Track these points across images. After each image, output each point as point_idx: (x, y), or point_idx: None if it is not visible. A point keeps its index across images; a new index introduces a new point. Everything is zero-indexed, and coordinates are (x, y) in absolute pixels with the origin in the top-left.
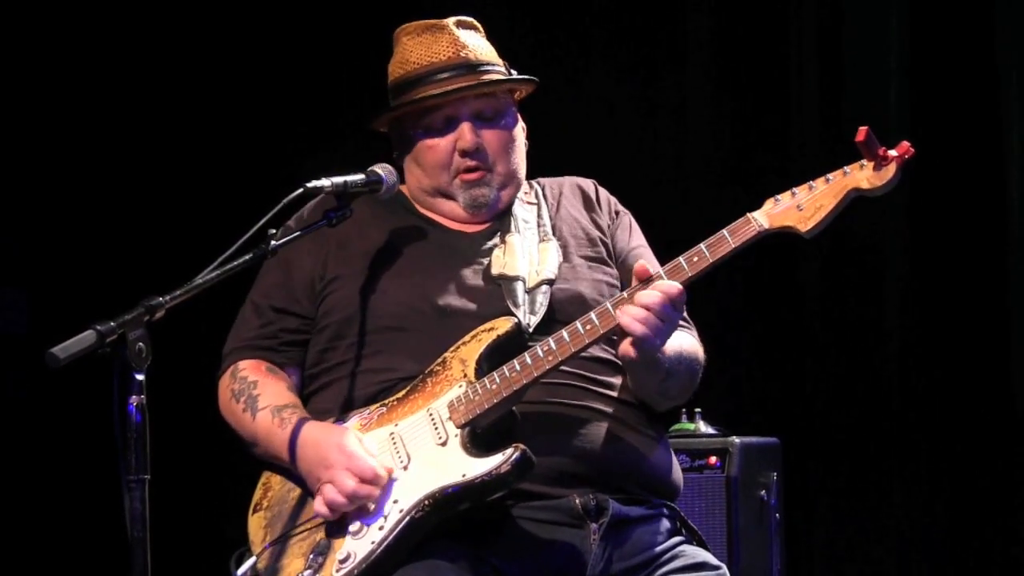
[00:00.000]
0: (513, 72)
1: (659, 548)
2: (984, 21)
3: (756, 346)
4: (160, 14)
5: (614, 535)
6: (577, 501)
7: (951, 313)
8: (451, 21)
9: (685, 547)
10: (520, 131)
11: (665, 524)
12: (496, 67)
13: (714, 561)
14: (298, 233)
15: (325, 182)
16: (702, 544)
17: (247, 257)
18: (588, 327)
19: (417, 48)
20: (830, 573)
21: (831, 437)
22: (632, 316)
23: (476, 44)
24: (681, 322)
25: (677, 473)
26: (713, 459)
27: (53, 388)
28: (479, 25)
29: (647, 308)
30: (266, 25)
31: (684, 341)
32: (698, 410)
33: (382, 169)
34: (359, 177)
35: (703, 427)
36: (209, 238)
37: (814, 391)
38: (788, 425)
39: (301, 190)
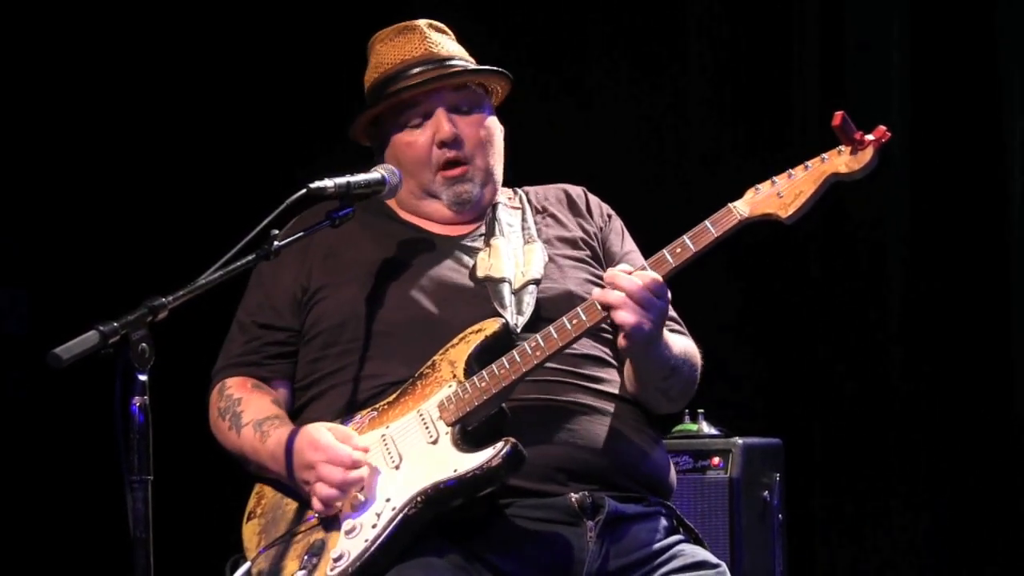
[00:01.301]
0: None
1: (657, 546)
2: (986, 15)
3: (758, 347)
4: (161, 14)
5: (610, 532)
6: (573, 499)
7: (953, 315)
8: (422, 23)
9: (684, 546)
10: (499, 131)
11: (662, 522)
12: (468, 63)
13: (713, 559)
14: (301, 233)
15: (328, 182)
16: (699, 542)
17: (250, 258)
18: (575, 322)
19: (390, 51)
20: (832, 574)
21: (833, 438)
22: (606, 290)
23: (446, 43)
24: (675, 325)
25: (671, 472)
26: (716, 460)
27: (54, 388)
28: (449, 30)
29: (623, 288)
30: (268, 26)
31: (687, 344)
32: (701, 411)
33: (385, 170)
34: (363, 177)
35: (706, 428)
36: (212, 239)
37: (816, 392)
38: (790, 426)
39: (304, 191)
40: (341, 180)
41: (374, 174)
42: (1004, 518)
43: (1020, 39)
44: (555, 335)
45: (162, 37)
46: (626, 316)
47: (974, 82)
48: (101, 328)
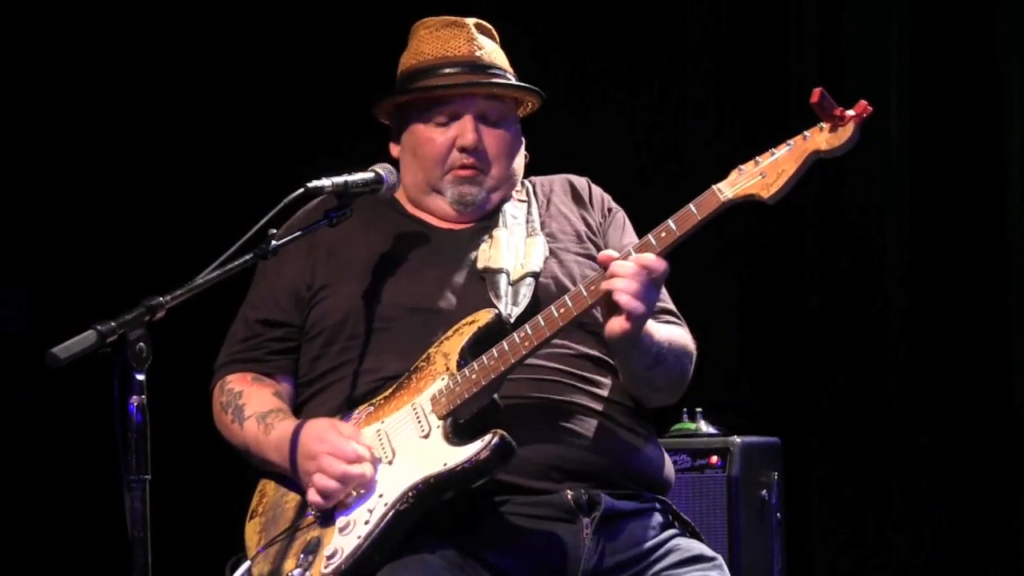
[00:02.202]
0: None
1: (653, 542)
2: (985, 15)
3: (757, 345)
4: (160, 14)
5: (606, 529)
6: (569, 496)
7: (953, 314)
8: (471, 21)
9: (679, 540)
10: (520, 144)
11: (657, 518)
12: (508, 74)
13: (710, 552)
14: (299, 232)
15: (326, 182)
16: (696, 535)
17: (247, 257)
18: (562, 311)
19: (434, 42)
20: (831, 573)
21: (832, 437)
22: (613, 275)
23: (492, 49)
24: (671, 317)
25: (668, 468)
26: (714, 459)
27: (53, 388)
28: (495, 34)
29: (625, 275)
30: (267, 24)
31: (674, 332)
32: (699, 410)
33: (383, 169)
34: (360, 176)
35: (704, 427)
36: (210, 238)
37: (815, 391)
38: (789, 425)
39: (302, 190)
40: (339, 179)
41: (371, 173)
42: (1004, 517)
43: (1020, 39)
44: (543, 324)
45: (161, 37)
46: (627, 299)
47: (974, 82)
48: (99, 327)
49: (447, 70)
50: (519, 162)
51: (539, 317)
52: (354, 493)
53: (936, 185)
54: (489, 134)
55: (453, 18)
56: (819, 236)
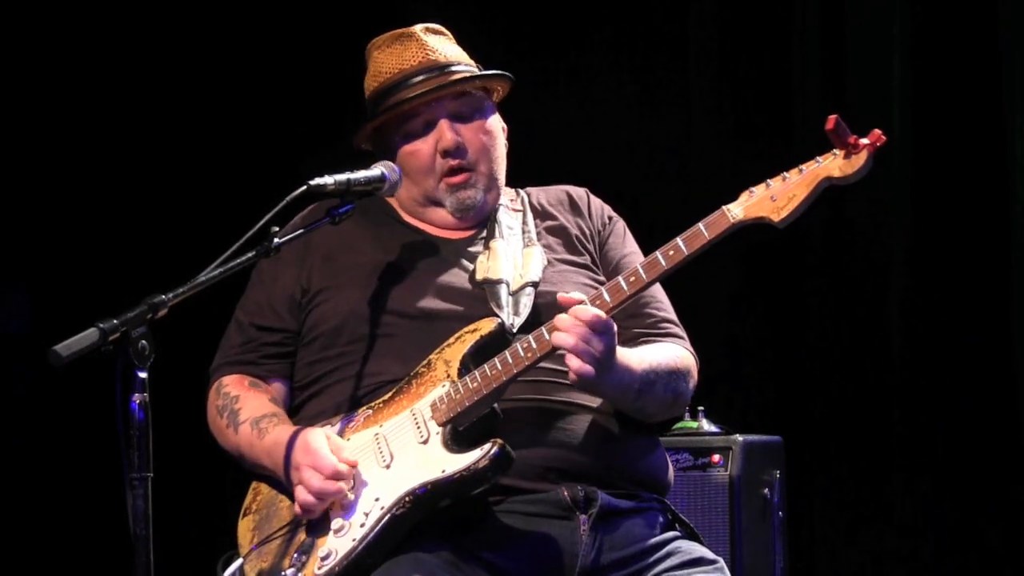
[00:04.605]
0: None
1: (652, 542)
2: (987, 14)
3: (759, 344)
4: (161, 14)
5: (604, 526)
6: (566, 493)
7: (954, 312)
8: (418, 28)
9: (681, 542)
10: (500, 130)
11: (657, 518)
12: (467, 66)
13: (711, 555)
14: (301, 231)
15: (328, 179)
16: (695, 537)
17: (250, 255)
18: None
19: (388, 59)
20: (832, 572)
21: (834, 435)
22: (555, 332)
23: (444, 47)
24: (670, 327)
25: (667, 469)
26: (716, 457)
27: (56, 386)
28: (446, 31)
29: (565, 330)
30: (268, 24)
31: (662, 354)
32: (701, 408)
33: (385, 167)
34: (363, 174)
35: (706, 425)
36: (212, 236)
37: (817, 389)
38: (791, 423)
39: (304, 187)
40: (341, 177)
41: (374, 171)
42: (1005, 517)
43: (1022, 39)
44: (547, 336)
45: (162, 35)
46: (571, 360)
47: (976, 82)
48: (101, 325)
49: (409, 82)
50: (502, 151)
51: (543, 329)
52: (351, 496)
53: (938, 188)
54: (467, 130)
55: (400, 30)
56: (821, 235)
